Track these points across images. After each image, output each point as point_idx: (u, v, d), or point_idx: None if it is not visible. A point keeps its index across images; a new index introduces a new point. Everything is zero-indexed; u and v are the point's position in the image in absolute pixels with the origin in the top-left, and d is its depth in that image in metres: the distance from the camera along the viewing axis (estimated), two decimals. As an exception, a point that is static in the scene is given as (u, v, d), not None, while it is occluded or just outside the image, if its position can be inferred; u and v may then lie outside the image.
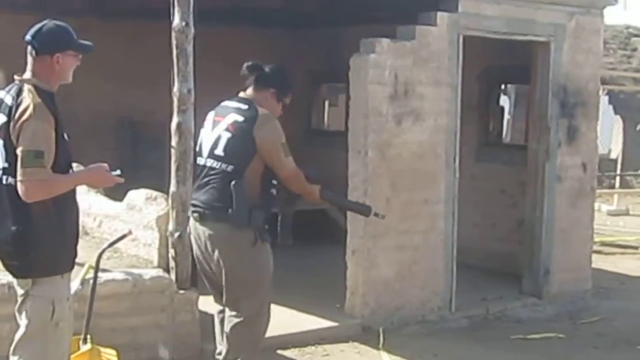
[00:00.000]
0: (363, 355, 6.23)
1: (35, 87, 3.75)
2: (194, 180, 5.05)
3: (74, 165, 4.04)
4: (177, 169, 5.79)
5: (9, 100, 3.78)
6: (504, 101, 13.95)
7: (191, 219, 4.87)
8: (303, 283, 7.54)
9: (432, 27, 6.83)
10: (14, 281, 3.90)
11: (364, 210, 5.41)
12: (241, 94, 4.88)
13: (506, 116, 13.46)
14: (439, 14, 6.87)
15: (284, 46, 10.02)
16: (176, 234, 5.77)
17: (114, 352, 5.07)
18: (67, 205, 3.84)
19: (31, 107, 3.66)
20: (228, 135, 4.70)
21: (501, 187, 8.70)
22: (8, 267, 3.86)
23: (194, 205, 4.79)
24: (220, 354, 4.92)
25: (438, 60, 6.87)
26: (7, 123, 3.72)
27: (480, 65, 8.61)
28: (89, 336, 4.97)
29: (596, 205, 10.77)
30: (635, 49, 19.83)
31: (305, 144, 9.44)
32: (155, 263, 6.02)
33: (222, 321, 4.94)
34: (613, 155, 18.89)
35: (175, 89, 5.79)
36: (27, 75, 3.82)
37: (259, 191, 4.67)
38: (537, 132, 7.75)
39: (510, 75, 9.12)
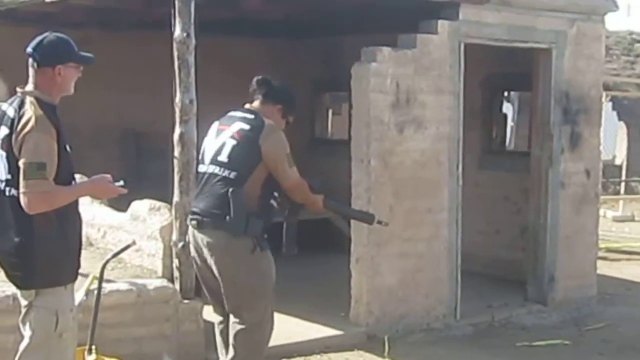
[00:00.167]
0: (368, 364, 6.24)
1: (37, 100, 3.77)
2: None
3: (78, 176, 4.05)
4: (180, 179, 5.81)
5: (11, 112, 3.80)
6: (508, 108, 13.96)
7: (190, 227, 4.86)
8: (307, 292, 7.54)
9: (433, 35, 6.85)
10: (18, 292, 3.91)
11: (367, 218, 5.43)
12: (247, 106, 4.91)
13: (510, 123, 13.46)
14: (440, 22, 6.88)
15: (285, 56, 10.05)
16: (180, 244, 5.78)
17: (118, 362, 5.08)
18: (69, 217, 3.85)
19: (33, 119, 3.68)
20: (233, 142, 4.72)
21: (505, 194, 8.70)
22: (11, 278, 3.87)
23: (193, 213, 4.80)
24: (223, 363, 4.93)
25: (439, 68, 6.88)
26: (10, 135, 3.74)
27: (482, 73, 8.62)
28: (93, 347, 4.97)
29: (601, 211, 10.79)
30: (638, 55, 19.84)
31: (308, 153, 9.45)
32: (160, 273, 6.04)
33: (222, 332, 4.93)
34: (617, 162, 18.87)
35: (177, 99, 5.82)
36: (29, 87, 3.84)
37: (259, 200, 4.68)
38: (539, 139, 7.75)
39: (513, 82, 9.12)
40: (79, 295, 4.97)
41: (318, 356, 6.24)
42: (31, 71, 3.85)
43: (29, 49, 3.84)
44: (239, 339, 4.74)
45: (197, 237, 4.78)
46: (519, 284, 7.97)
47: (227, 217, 4.58)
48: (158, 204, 6.28)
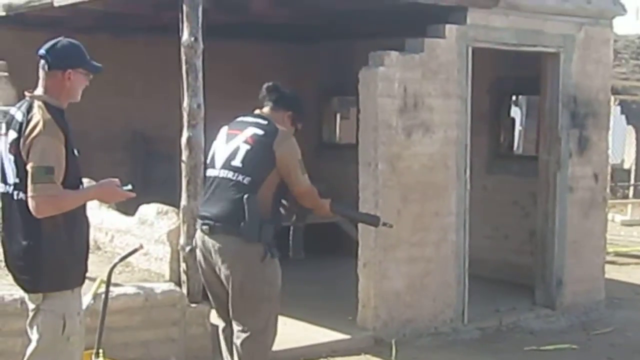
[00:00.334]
0: (375, 368, 6.24)
1: (45, 104, 3.78)
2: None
3: (86, 180, 4.06)
4: (188, 183, 5.82)
5: (19, 116, 3.81)
6: (516, 112, 13.93)
7: (198, 232, 4.81)
8: (315, 296, 7.55)
9: (441, 39, 6.85)
10: (25, 296, 3.92)
11: (372, 220, 5.42)
12: (257, 112, 4.90)
13: (518, 127, 13.43)
14: (448, 26, 6.88)
15: (293, 60, 10.06)
16: (187, 248, 5.79)
17: (126, 366, 5.10)
18: (77, 220, 3.86)
19: (41, 123, 3.70)
20: (247, 147, 4.68)
21: (513, 198, 8.69)
22: (19, 282, 3.88)
23: (204, 218, 4.74)
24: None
25: (447, 72, 6.88)
26: (18, 139, 3.75)
27: (490, 77, 8.61)
28: (101, 350, 4.97)
29: (610, 215, 10.77)
30: (647, 59, 19.79)
31: (316, 157, 9.46)
32: (167, 277, 6.04)
33: (226, 338, 4.92)
34: (626, 166, 18.82)
35: (185, 103, 5.83)
36: (38, 91, 3.86)
37: (271, 206, 4.67)
38: (547, 143, 7.74)
39: (520, 86, 9.12)
40: (86, 299, 4.98)
41: (325, 360, 6.25)
42: (41, 73, 3.86)
43: (42, 51, 3.85)
44: (244, 347, 4.71)
45: (207, 242, 4.72)
46: (527, 288, 7.95)
47: (242, 223, 4.55)
48: (166, 207, 6.29)
